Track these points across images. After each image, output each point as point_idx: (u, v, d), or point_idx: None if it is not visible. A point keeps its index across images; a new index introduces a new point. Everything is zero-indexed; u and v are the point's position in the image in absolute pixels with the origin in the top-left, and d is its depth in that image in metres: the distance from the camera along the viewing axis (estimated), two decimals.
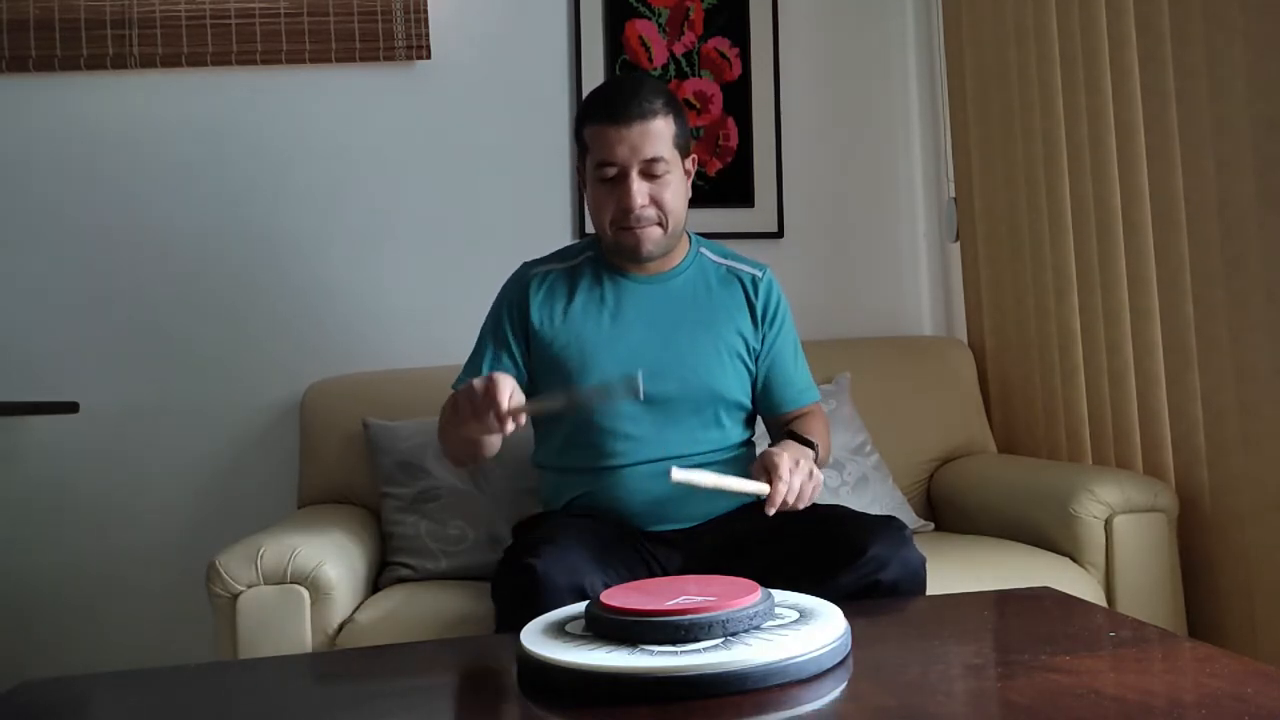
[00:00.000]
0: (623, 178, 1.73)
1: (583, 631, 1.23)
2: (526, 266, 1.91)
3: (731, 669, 1.10)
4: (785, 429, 1.82)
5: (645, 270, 1.84)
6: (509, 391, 1.51)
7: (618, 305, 1.83)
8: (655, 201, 1.75)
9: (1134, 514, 1.98)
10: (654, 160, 1.73)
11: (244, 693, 1.32)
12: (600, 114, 1.74)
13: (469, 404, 1.53)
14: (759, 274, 1.91)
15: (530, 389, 1.87)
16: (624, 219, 1.75)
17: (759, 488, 1.56)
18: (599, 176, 1.75)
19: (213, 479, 2.62)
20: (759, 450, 1.93)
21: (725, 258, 1.92)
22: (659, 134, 1.74)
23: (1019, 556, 2.01)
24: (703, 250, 1.91)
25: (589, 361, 1.79)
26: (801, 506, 1.59)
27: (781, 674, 1.11)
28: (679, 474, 1.44)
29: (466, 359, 1.88)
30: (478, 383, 1.52)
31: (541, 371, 1.83)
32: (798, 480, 1.57)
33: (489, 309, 1.91)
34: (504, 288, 1.91)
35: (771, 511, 1.55)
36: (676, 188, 1.78)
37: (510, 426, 1.51)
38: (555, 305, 1.84)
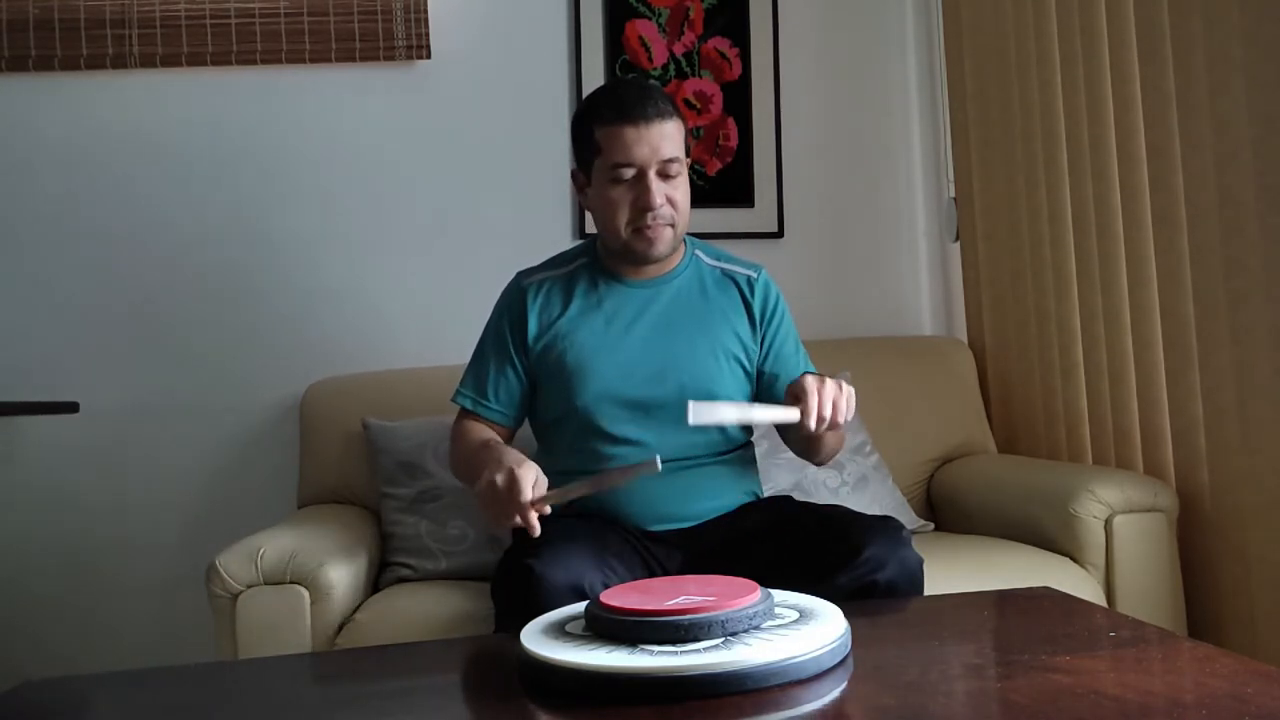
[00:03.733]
0: (641, 178, 1.73)
1: (583, 631, 1.23)
2: (521, 276, 1.90)
3: (731, 669, 1.10)
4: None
5: (642, 274, 1.84)
6: (530, 488, 1.48)
7: (615, 310, 1.83)
8: (670, 201, 1.75)
9: (1134, 514, 1.98)
10: (670, 160, 1.73)
11: (244, 693, 1.32)
12: (617, 115, 1.73)
13: (494, 503, 1.51)
14: (754, 274, 1.90)
15: (532, 398, 1.87)
16: (641, 219, 1.74)
17: (788, 413, 1.53)
18: (614, 178, 1.74)
19: (213, 479, 2.61)
20: (758, 452, 1.94)
21: (719, 260, 1.92)
22: (673, 135, 1.74)
23: (1019, 556, 2.01)
24: (697, 253, 1.91)
25: (587, 367, 1.79)
26: (841, 419, 1.57)
27: (781, 674, 1.11)
28: (696, 413, 1.40)
29: (466, 369, 1.88)
30: (500, 479, 1.50)
31: (542, 378, 1.83)
32: (828, 395, 1.55)
33: (487, 320, 1.90)
34: (501, 300, 1.90)
35: (812, 424, 1.53)
36: (686, 189, 1.78)
37: (536, 523, 1.49)
38: (552, 312, 1.83)
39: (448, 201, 2.71)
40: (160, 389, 2.61)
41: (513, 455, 1.57)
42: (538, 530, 1.49)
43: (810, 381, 1.57)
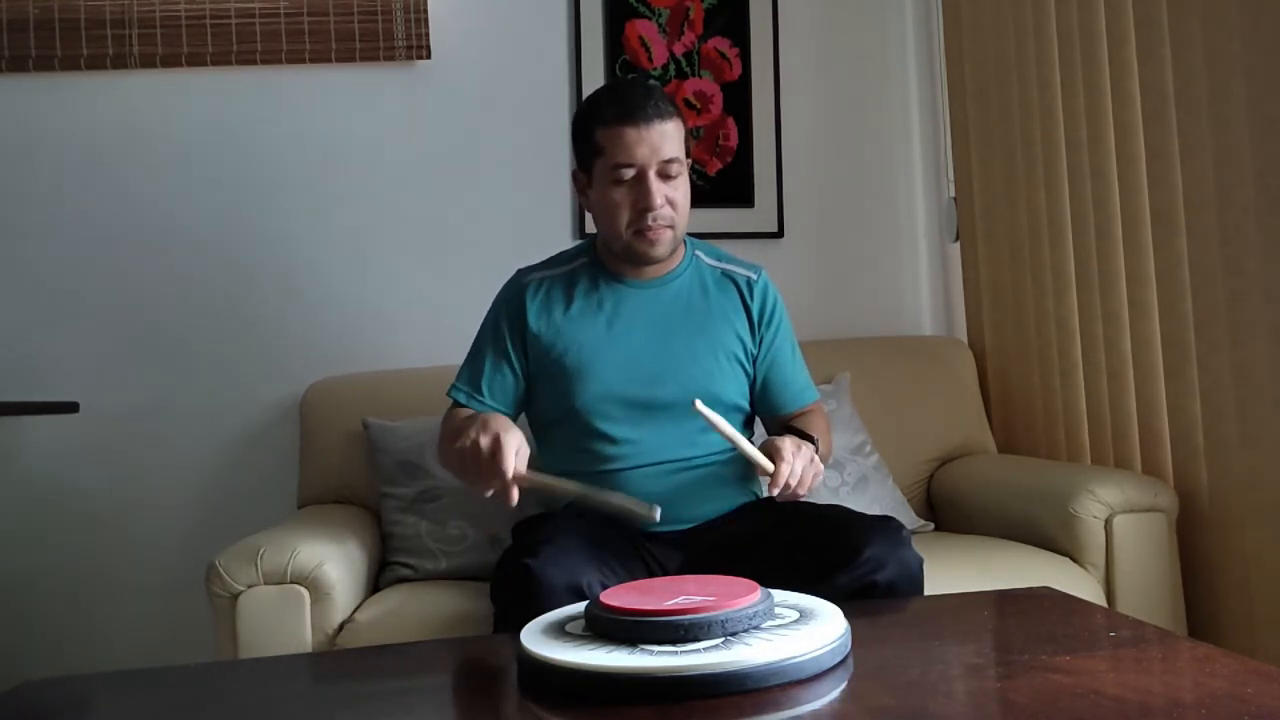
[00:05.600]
0: (641, 178, 1.73)
1: (583, 631, 1.23)
2: (522, 273, 1.90)
3: (731, 669, 1.10)
4: (785, 425, 1.82)
5: (642, 275, 1.84)
6: (513, 455, 1.51)
7: (615, 310, 1.83)
8: (669, 202, 1.75)
9: (1134, 514, 1.98)
10: (670, 161, 1.73)
11: (244, 693, 1.32)
12: (618, 115, 1.73)
13: (474, 464, 1.54)
14: (754, 276, 1.90)
15: (529, 396, 1.87)
16: (641, 220, 1.74)
17: (765, 463, 1.61)
18: (615, 178, 1.74)
19: (213, 479, 2.61)
20: None
21: (719, 260, 1.92)
22: (674, 135, 1.74)
23: (1019, 556, 2.01)
24: (697, 253, 1.91)
25: (587, 367, 1.79)
26: (803, 492, 1.62)
27: (781, 674, 1.11)
28: (702, 407, 1.55)
29: (463, 364, 1.88)
30: (485, 441, 1.52)
31: (541, 378, 1.83)
32: (799, 464, 1.61)
33: (485, 315, 1.90)
34: (500, 295, 1.90)
35: (775, 492, 1.59)
36: (686, 190, 1.78)
37: (515, 495, 1.51)
38: (553, 311, 1.83)
39: (448, 201, 2.71)
40: (160, 389, 2.61)
41: (500, 420, 1.58)
42: (515, 500, 1.51)
43: (787, 448, 1.62)
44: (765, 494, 1.65)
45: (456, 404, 1.85)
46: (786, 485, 1.60)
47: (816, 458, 1.66)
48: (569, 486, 1.50)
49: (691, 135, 2.75)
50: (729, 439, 1.61)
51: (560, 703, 1.14)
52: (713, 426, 1.58)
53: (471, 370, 1.86)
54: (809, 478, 1.63)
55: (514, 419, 1.87)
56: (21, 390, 2.53)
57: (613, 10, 2.75)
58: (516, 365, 1.84)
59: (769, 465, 1.61)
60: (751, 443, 1.89)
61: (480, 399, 1.83)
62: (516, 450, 1.52)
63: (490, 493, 1.55)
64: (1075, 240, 2.30)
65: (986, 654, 1.30)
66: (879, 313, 2.86)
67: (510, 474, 1.50)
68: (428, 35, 2.66)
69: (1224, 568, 1.98)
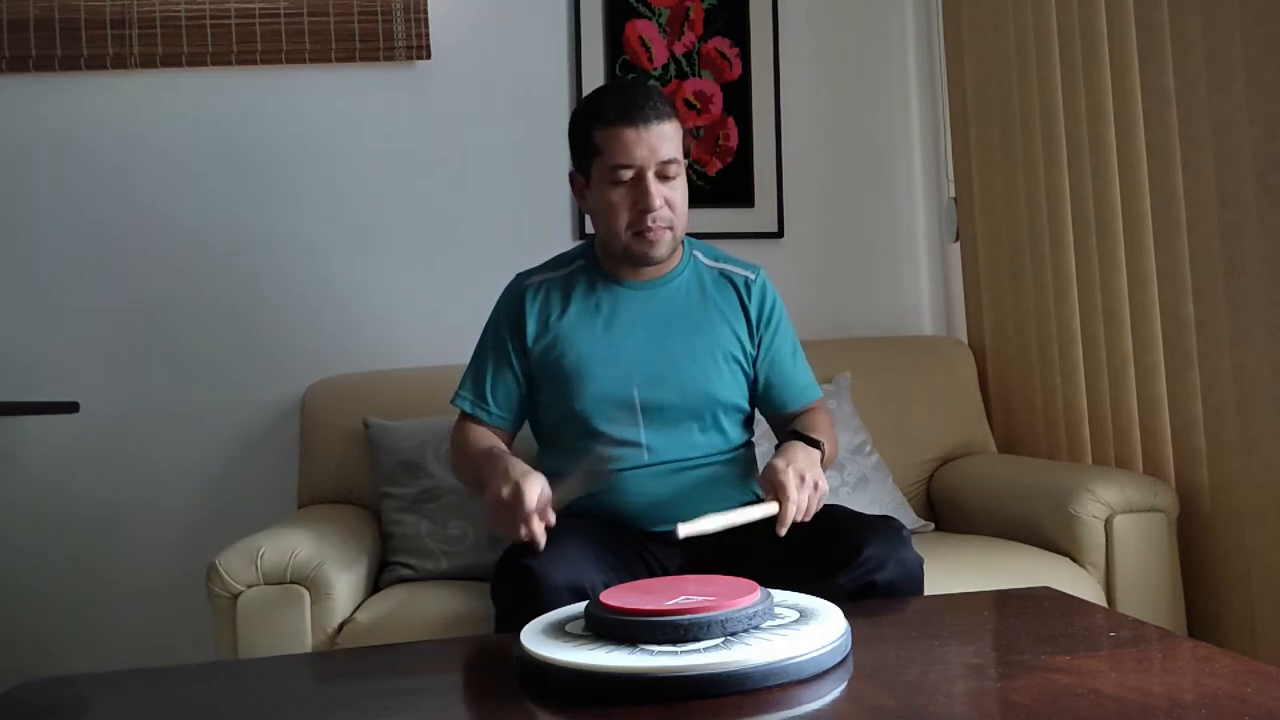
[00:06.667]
0: (639, 179, 1.72)
1: (583, 631, 1.23)
2: (520, 278, 1.90)
3: (731, 669, 1.10)
4: (789, 428, 1.82)
5: (640, 276, 1.84)
6: (535, 500, 1.51)
7: (613, 312, 1.83)
8: (668, 203, 1.75)
9: (1134, 514, 1.98)
10: (669, 162, 1.73)
11: (244, 693, 1.32)
12: (616, 116, 1.72)
13: (498, 515, 1.55)
14: (751, 276, 1.90)
15: (530, 400, 1.87)
16: (640, 221, 1.74)
17: (768, 510, 1.57)
18: (613, 179, 1.74)
19: (213, 479, 2.61)
20: (759, 452, 1.94)
21: (717, 260, 1.92)
22: (672, 136, 1.74)
23: (1019, 556, 2.01)
24: (695, 254, 1.91)
25: (585, 370, 1.79)
26: (808, 520, 1.60)
27: (781, 674, 1.11)
28: (685, 529, 1.47)
29: (466, 370, 1.88)
30: (505, 492, 1.53)
31: (541, 381, 1.83)
32: (804, 496, 1.58)
33: (486, 320, 1.90)
34: (500, 301, 1.90)
35: (783, 533, 1.57)
36: (684, 190, 1.78)
37: (542, 535, 1.52)
38: (551, 314, 1.83)
39: (447, 201, 2.71)
40: (160, 389, 2.61)
41: (518, 467, 1.58)
42: (542, 544, 1.51)
43: (791, 483, 1.57)
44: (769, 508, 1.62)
45: (464, 414, 1.85)
46: (794, 522, 1.57)
47: (820, 480, 1.62)
48: (571, 487, 1.50)
49: (691, 135, 2.75)
50: (728, 526, 1.53)
51: (560, 703, 1.14)
52: (704, 533, 1.51)
53: (475, 377, 1.86)
54: (814, 505, 1.60)
55: (519, 426, 1.88)
56: (21, 390, 2.53)
57: (613, 10, 2.75)
58: (519, 371, 1.84)
59: (773, 508, 1.57)
60: (750, 451, 1.90)
61: (485, 407, 1.83)
62: (539, 494, 1.53)
63: (520, 540, 1.55)
64: (1076, 240, 2.30)
65: (986, 654, 1.30)
66: (879, 313, 2.86)
67: (535, 520, 1.51)
68: (428, 35, 2.66)
69: (1224, 568, 1.98)
